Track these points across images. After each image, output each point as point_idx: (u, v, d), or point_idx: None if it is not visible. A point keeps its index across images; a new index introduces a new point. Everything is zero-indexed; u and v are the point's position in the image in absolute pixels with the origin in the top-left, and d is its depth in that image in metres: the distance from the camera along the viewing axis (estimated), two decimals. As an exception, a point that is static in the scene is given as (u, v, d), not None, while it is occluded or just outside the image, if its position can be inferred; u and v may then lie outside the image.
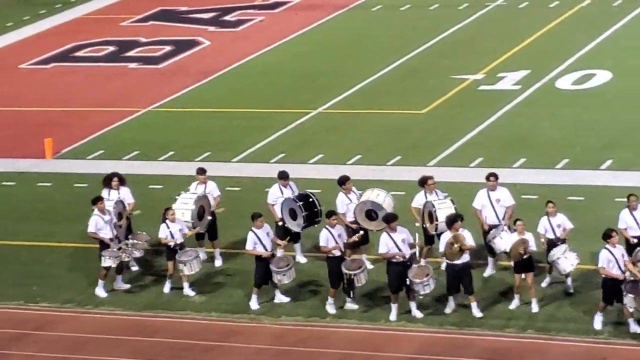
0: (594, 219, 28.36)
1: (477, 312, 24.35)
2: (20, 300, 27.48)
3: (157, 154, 36.18)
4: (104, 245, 26.67)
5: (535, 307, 24.30)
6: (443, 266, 25.28)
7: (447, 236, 24.34)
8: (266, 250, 25.55)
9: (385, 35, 45.60)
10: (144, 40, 48.32)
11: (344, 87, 39.98)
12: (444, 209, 25.74)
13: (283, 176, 27.91)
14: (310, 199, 26.94)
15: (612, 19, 43.37)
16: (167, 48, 46.87)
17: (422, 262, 25.23)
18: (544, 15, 44.89)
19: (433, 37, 44.00)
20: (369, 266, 25.70)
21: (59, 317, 26.90)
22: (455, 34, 44.41)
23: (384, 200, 26.25)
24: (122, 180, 28.50)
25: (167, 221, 26.50)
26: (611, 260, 23.03)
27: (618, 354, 22.81)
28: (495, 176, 26.44)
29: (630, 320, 22.95)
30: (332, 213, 25.58)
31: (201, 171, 28.44)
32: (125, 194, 28.31)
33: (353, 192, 26.76)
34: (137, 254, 27.11)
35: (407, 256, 24.49)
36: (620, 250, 23.23)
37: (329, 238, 25.06)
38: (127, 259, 27.03)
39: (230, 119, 38.74)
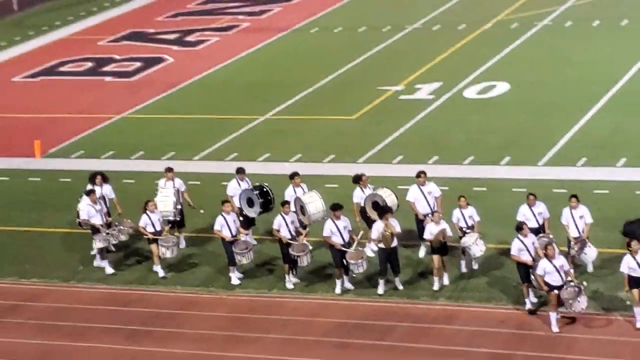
0: (494, 206, 28.91)
1: (399, 285, 24.86)
2: (14, 277, 27.65)
3: (129, 154, 36.21)
4: (95, 230, 26.75)
5: (446, 280, 24.79)
6: (368, 252, 25.60)
7: (379, 224, 24.42)
8: (231, 233, 25.60)
9: (321, 53, 45.72)
10: (117, 57, 48.12)
11: (287, 97, 40.08)
12: (388, 197, 25.88)
13: (240, 171, 27.99)
14: (265, 189, 27.06)
15: (510, 39, 43.78)
16: (138, 64, 46.69)
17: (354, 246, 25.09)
18: (454, 36, 45.24)
19: (361, 54, 44.19)
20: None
21: (48, 290, 27.09)
22: (379, 52, 44.61)
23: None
24: (105, 178, 28.49)
25: (148, 212, 26.44)
26: (522, 249, 23.15)
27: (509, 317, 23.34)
28: (425, 173, 26.50)
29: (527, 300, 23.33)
30: (285, 202, 25.69)
31: (169, 169, 28.53)
32: (107, 190, 28.28)
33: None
34: (123, 237, 27.01)
35: (346, 240, 24.79)
36: (531, 239, 23.30)
37: (281, 224, 25.17)
38: (114, 242, 26.99)
39: (191, 123, 38.79)
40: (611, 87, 36.84)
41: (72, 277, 27.54)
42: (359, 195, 26.38)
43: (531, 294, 23.38)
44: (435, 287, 24.68)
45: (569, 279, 22.41)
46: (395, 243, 24.41)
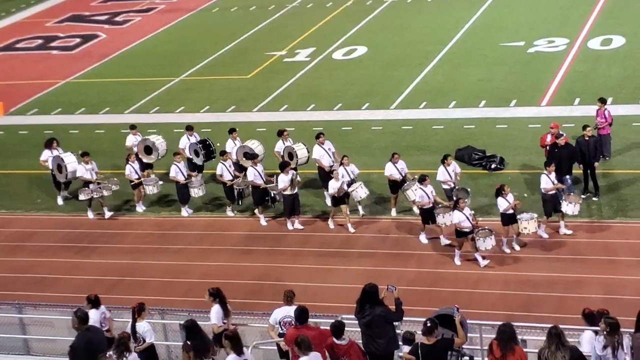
0: (358, 141, 29.07)
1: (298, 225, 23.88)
2: (-16, 209, 26.91)
3: (73, 110, 35.27)
4: (85, 184, 25.37)
5: (351, 229, 23.29)
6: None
7: (282, 177, 23.29)
8: (184, 177, 24.88)
9: (221, 28, 45.02)
10: (61, 35, 46.79)
11: (196, 62, 39.42)
12: (300, 149, 24.88)
13: (189, 128, 26.92)
14: (207, 142, 26.22)
15: (366, 13, 43.65)
16: (77, 40, 45.47)
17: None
18: (323, 11, 44.92)
19: (253, 28, 43.67)
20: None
21: (13, 219, 26.55)
22: (267, 25, 44.13)
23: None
24: (58, 142, 27.25)
25: (130, 162, 25.48)
26: (422, 196, 21.80)
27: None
28: (323, 134, 24.82)
29: (442, 237, 22.00)
30: (224, 152, 24.74)
31: (133, 127, 27.64)
32: (61, 153, 26.63)
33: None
34: (106, 193, 25.38)
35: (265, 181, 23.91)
36: (429, 190, 21.81)
37: (223, 169, 24.33)
38: (97, 196, 25.25)
39: (121, 85, 37.85)
40: (443, 47, 37.07)
41: (32, 208, 26.98)
42: (280, 146, 25.30)
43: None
44: (330, 225, 23.70)
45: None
46: (295, 190, 23.53)
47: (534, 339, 14.81)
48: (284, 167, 23.54)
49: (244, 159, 25.15)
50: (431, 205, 21.85)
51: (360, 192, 23.39)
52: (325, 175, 24.28)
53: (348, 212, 23.31)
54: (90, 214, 25.85)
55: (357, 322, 14.74)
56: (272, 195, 24.02)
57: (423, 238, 22.35)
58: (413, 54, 36.81)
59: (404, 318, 14.89)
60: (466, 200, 21.47)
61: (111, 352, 14.32)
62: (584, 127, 23.59)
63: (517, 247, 21.39)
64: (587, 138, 23.16)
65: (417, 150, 27.81)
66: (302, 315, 13.98)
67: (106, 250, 24.11)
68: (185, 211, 25.35)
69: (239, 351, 13.52)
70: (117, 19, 48.98)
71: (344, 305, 17.18)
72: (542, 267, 20.56)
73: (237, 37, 42.39)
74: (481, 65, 34.54)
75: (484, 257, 20.94)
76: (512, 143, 27.34)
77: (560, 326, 13.10)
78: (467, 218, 20.59)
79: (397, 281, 18.24)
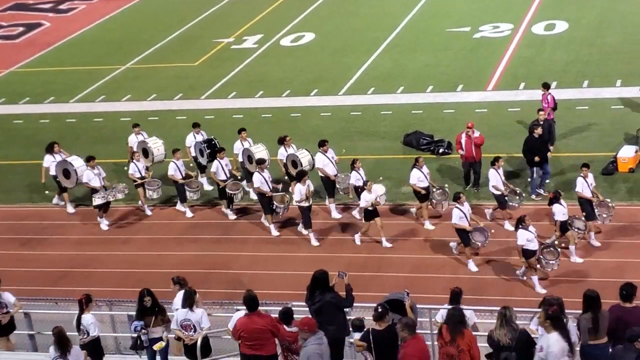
0: (307, 127, 28.95)
1: (314, 242, 22.08)
2: None
3: (17, 100, 34.59)
4: (94, 191, 23.61)
5: (386, 244, 21.45)
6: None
7: (299, 187, 21.54)
8: (182, 176, 23.85)
9: (167, 15, 44.37)
10: (4, 24, 45.81)
11: (142, 50, 38.88)
12: (304, 157, 23.25)
13: (195, 125, 25.53)
14: (213, 142, 24.68)
15: (312, 0, 43.21)
16: (21, 29, 44.56)
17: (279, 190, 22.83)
18: (271, -2, 44.85)
19: (199, 15, 43.17)
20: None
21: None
22: (214, 12, 43.66)
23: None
24: (60, 146, 25.39)
25: (134, 161, 24.18)
26: (462, 217, 19.83)
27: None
28: (327, 141, 23.14)
29: (470, 261, 20.14)
30: (222, 149, 23.57)
31: (135, 125, 26.10)
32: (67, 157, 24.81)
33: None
34: (120, 195, 23.85)
35: (271, 188, 22.36)
36: (466, 207, 20.00)
37: (218, 167, 23.13)
38: (111, 199, 23.59)
39: (66, 74, 37.17)
40: (390, 33, 37.03)
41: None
42: (282, 153, 23.76)
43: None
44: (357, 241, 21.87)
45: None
46: (310, 202, 21.93)
47: (484, 322, 14.87)
48: (301, 176, 21.73)
49: (249, 163, 23.79)
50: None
51: (382, 199, 21.82)
52: (330, 184, 22.89)
53: (381, 225, 21.37)
54: (104, 225, 23.94)
55: (308, 309, 14.65)
56: (274, 206, 22.41)
57: (472, 266, 20.09)
58: (361, 40, 36.72)
59: (354, 304, 14.83)
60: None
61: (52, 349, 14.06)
62: (538, 111, 23.57)
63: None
64: (541, 122, 23.05)
65: (366, 136, 27.76)
66: (251, 303, 13.81)
67: (52, 241, 23.70)
68: (181, 207, 24.18)
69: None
70: (62, 7, 48.17)
71: (293, 292, 17.06)
72: (491, 252, 20.63)
73: (184, 25, 41.92)
74: (428, 50, 34.58)
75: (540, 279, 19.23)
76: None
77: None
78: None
79: (346, 267, 18.22)
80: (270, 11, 42.64)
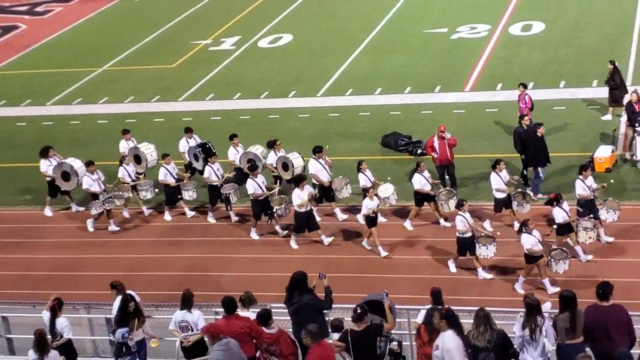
0: (285, 129, 28.99)
1: (326, 240, 21.81)
2: None
3: (-6, 102, 34.66)
4: (94, 196, 23.29)
5: (383, 252, 21.01)
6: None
7: (298, 192, 21.11)
8: (174, 179, 23.60)
9: (144, 17, 44.37)
10: (-20, 26, 45.81)
11: (120, 52, 38.83)
12: (296, 159, 23.01)
13: (188, 130, 25.15)
14: (207, 146, 24.24)
15: (292, 0, 43.32)
16: (-3, 31, 44.68)
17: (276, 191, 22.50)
18: (248, 0, 44.57)
19: (177, 17, 43.14)
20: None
21: None
22: (191, 14, 43.61)
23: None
24: (54, 149, 24.89)
25: (124, 164, 23.93)
26: (466, 224, 19.37)
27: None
28: (322, 148, 22.77)
29: (479, 269, 19.73)
30: (213, 154, 23.38)
31: (126, 131, 25.55)
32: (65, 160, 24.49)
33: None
34: (118, 203, 23.53)
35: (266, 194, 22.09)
36: (469, 216, 19.51)
37: (210, 172, 22.93)
38: (110, 207, 23.34)
39: (43, 77, 37.06)
40: (368, 34, 37.16)
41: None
42: (272, 157, 23.40)
43: None
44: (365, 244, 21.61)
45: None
46: (309, 207, 21.51)
47: (463, 322, 14.94)
48: (299, 181, 21.29)
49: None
50: (471, 234, 19.58)
51: (392, 198, 21.70)
52: (326, 190, 22.43)
53: (376, 234, 20.99)
54: (114, 226, 23.65)
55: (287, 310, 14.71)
56: (274, 210, 21.94)
57: (483, 273, 19.62)
58: (339, 42, 36.82)
59: (333, 305, 14.87)
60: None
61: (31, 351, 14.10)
62: (521, 118, 23.23)
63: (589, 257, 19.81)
64: (525, 127, 22.85)
65: (344, 138, 27.85)
66: (230, 305, 13.85)
67: (31, 245, 23.58)
68: (169, 215, 24.00)
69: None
70: (38, 9, 48.00)
71: (272, 293, 17.09)
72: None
73: (160, 26, 41.88)
74: (405, 51, 34.72)
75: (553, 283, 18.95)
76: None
77: (487, 308, 13.25)
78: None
79: (326, 268, 18.28)
80: (248, 13, 42.67)
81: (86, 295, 19.32)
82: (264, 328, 13.53)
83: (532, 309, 13.01)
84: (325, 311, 14.94)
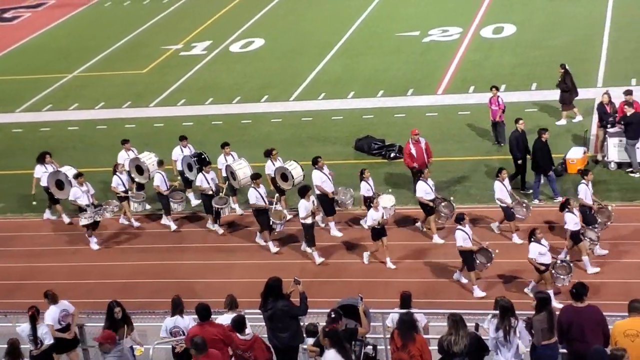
0: (258, 134, 28.96)
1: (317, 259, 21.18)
2: None
3: (-37, 110, 34.32)
4: (81, 209, 22.69)
5: (390, 265, 20.58)
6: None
7: (304, 203, 20.60)
8: (167, 187, 23.15)
9: (115, 22, 44.14)
10: (-53, 33, 45.41)
11: (90, 58, 38.62)
12: (294, 169, 22.64)
13: (182, 138, 24.40)
14: (203, 156, 23.68)
15: (261, 5, 43.20)
16: (-35, 37, 44.27)
17: (278, 206, 22.03)
18: (219, 4, 44.43)
19: (147, 21, 43.05)
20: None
21: None
22: (162, 19, 43.54)
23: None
24: (51, 156, 24.58)
25: (117, 173, 23.42)
26: (465, 238, 18.89)
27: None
28: (320, 158, 22.26)
29: (475, 287, 19.14)
30: (208, 163, 23.02)
31: (125, 141, 24.75)
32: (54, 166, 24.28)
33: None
34: (108, 215, 23.01)
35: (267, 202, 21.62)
36: (469, 229, 19.07)
37: (203, 180, 22.47)
38: (99, 219, 22.79)
39: (13, 83, 36.85)
40: (340, 38, 37.22)
41: None
42: (270, 167, 22.98)
43: None
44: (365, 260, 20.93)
45: None
46: (316, 217, 21.20)
47: (436, 325, 14.99)
48: (305, 191, 20.72)
49: (232, 179, 23.09)
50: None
51: (390, 212, 21.19)
52: (328, 202, 22.05)
53: (387, 245, 20.48)
54: (94, 245, 23.05)
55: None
56: (272, 222, 21.59)
57: (478, 292, 19.06)
58: (311, 45, 36.85)
59: (308, 310, 14.84)
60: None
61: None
62: (517, 121, 23.11)
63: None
64: (520, 131, 22.84)
65: (317, 142, 27.85)
66: (204, 312, 13.79)
67: (2, 254, 23.36)
68: (167, 220, 23.43)
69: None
70: (6, 15, 47.75)
71: (247, 299, 17.03)
72: (444, 254, 20.81)
73: (131, 32, 41.72)
74: (378, 55, 34.80)
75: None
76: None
77: (461, 311, 13.28)
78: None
79: (300, 273, 18.25)
80: (219, 17, 42.62)
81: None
82: (238, 334, 13.48)
83: (506, 311, 13.05)
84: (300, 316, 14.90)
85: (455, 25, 36.77)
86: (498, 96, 25.65)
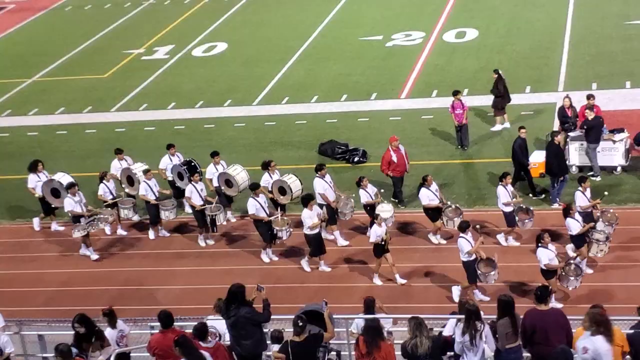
0: (221, 139, 28.81)
1: (325, 267, 20.98)
2: None
3: None
4: (75, 219, 22.18)
5: (400, 280, 19.95)
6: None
7: (308, 212, 20.28)
8: (155, 196, 22.54)
9: (75, 26, 43.72)
10: None
11: (50, 63, 38.20)
12: (293, 182, 22.04)
13: (170, 146, 23.92)
14: (193, 164, 23.14)
15: (224, 10, 43.17)
16: None
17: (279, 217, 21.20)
18: (181, 8, 44.31)
19: (108, 26, 42.66)
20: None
21: None
22: (123, 23, 43.19)
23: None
24: (43, 165, 23.97)
25: (104, 181, 22.91)
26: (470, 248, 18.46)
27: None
28: (324, 166, 22.02)
29: (476, 291, 18.95)
30: (196, 173, 22.37)
31: (119, 151, 24.08)
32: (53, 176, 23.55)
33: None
34: (102, 225, 22.48)
35: (268, 213, 21.11)
36: (471, 239, 18.68)
37: (192, 191, 21.92)
38: (93, 230, 22.28)
39: (-29, 88, 36.46)
40: (303, 42, 37.16)
41: None
42: (267, 180, 22.33)
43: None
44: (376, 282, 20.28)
45: None
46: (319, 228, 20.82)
47: (401, 330, 14.92)
48: (308, 201, 20.36)
49: (227, 187, 22.72)
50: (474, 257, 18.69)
51: (389, 220, 20.80)
52: (330, 211, 21.47)
53: (393, 262, 19.84)
54: (93, 255, 22.48)
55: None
56: (275, 231, 21.05)
57: (480, 295, 18.84)
58: (274, 50, 36.73)
59: (272, 316, 14.70)
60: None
61: None
62: (519, 129, 23.02)
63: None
64: (523, 138, 22.79)
65: (281, 146, 27.76)
66: (166, 319, 13.60)
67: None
68: (152, 234, 23.06)
69: None
70: (-36, 20, 47.09)
71: (209, 306, 16.85)
72: (413, 258, 20.77)
73: (92, 36, 41.33)
74: (341, 59, 34.78)
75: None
76: (374, 136, 27.62)
77: (424, 316, 13.22)
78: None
79: (263, 279, 18.13)
80: (182, 21, 42.38)
81: (16, 312, 18.81)
82: (200, 342, 13.30)
83: (471, 315, 13.01)
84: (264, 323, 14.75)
85: (418, 30, 36.86)
86: (460, 99, 25.70)
